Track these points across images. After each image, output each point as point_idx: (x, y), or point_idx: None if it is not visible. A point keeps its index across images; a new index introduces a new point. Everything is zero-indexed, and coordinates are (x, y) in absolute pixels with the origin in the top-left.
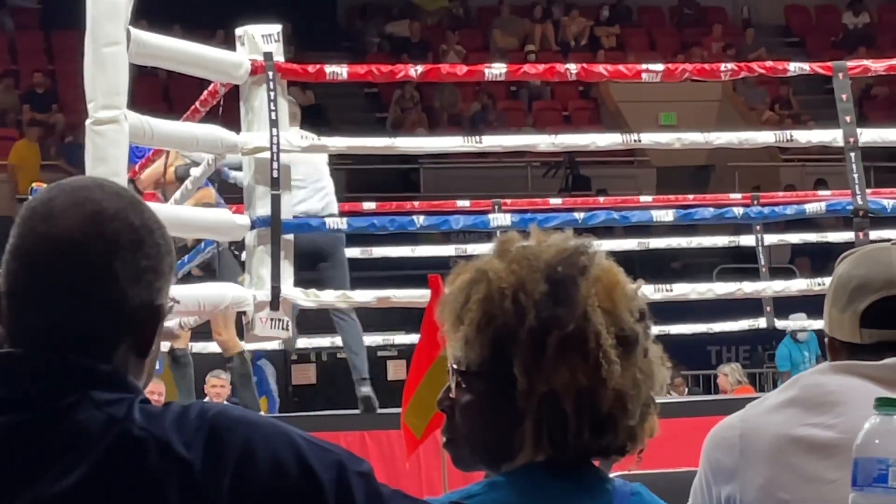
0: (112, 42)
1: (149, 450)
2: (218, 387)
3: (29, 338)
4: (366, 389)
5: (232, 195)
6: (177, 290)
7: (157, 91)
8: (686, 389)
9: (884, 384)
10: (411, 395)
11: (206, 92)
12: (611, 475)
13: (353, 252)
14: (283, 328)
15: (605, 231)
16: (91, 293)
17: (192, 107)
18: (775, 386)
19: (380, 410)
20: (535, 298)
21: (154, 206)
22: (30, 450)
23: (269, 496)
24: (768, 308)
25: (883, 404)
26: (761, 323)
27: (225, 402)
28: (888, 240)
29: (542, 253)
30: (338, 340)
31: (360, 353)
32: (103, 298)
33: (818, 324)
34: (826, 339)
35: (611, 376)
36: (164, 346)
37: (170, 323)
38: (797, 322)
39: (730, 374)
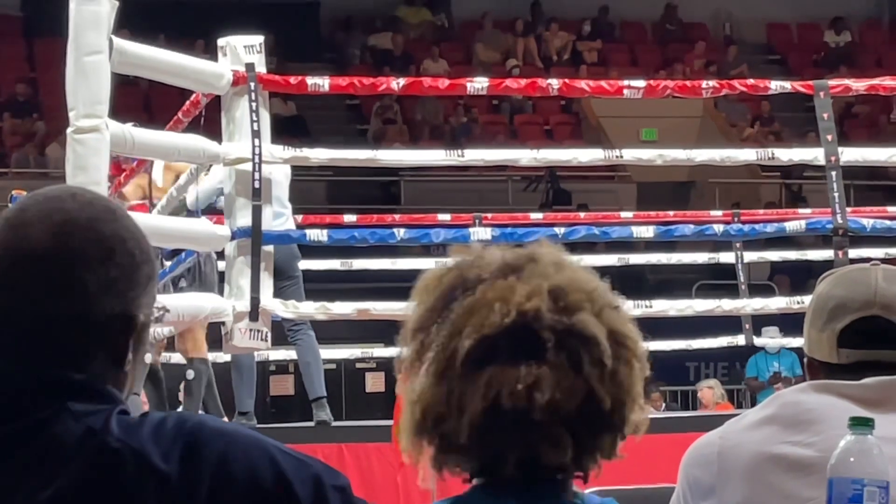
0: (94, 51)
1: (126, 462)
2: None
3: (3, 350)
4: (324, 415)
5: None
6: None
7: (139, 100)
8: (663, 405)
9: (862, 403)
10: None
11: (188, 102)
12: (586, 491)
13: (332, 264)
14: (262, 339)
15: (586, 246)
16: (58, 304)
17: (175, 117)
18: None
19: (358, 423)
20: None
21: (134, 216)
22: (8, 462)
23: None
24: (747, 325)
25: (857, 423)
26: (740, 340)
27: (201, 412)
28: (867, 259)
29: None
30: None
31: (319, 370)
32: (71, 309)
33: (792, 340)
34: (805, 359)
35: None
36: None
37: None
38: (769, 337)
39: (715, 388)
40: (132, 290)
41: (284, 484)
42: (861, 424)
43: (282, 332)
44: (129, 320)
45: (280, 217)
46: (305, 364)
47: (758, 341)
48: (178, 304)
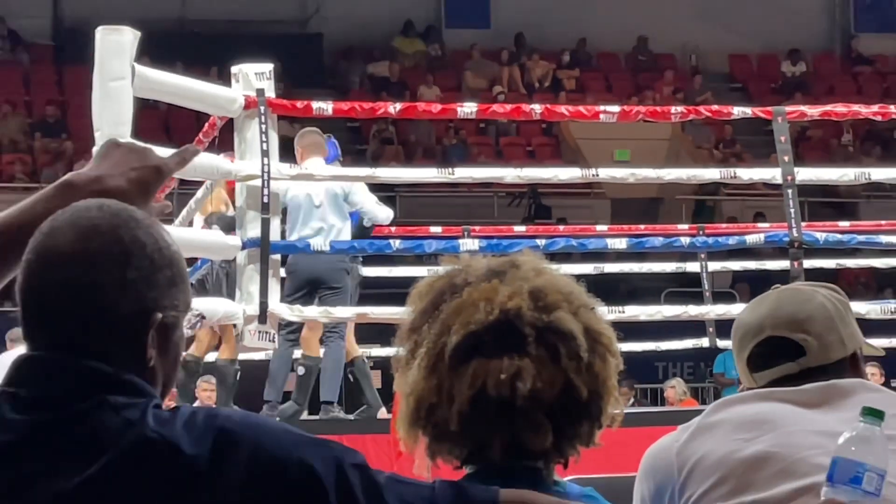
0: (118, 77)
1: (161, 452)
2: (209, 391)
3: (41, 344)
4: (327, 417)
5: None
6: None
7: (159, 122)
8: (632, 399)
9: (804, 406)
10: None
11: (206, 125)
12: (564, 479)
13: None
14: (269, 340)
15: (564, 256)
16: (77, 304)
17: (196, 138)
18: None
19: (356, 416)
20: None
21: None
22: (52, 448)
23: (275, 496)
24: (711, 329)
25: (869, 413)
26: (704, 342)
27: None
28: (820, 268)
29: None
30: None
31: (334, 377)
32: (89, 308)
33: None
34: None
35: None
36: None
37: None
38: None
39: (677, 387)
40: (151, 291)
41: (310, 470)
42: (871, 414)
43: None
44: (147, 319)
45: (321, 233)
46: (324, 368)
47: (722, 343)
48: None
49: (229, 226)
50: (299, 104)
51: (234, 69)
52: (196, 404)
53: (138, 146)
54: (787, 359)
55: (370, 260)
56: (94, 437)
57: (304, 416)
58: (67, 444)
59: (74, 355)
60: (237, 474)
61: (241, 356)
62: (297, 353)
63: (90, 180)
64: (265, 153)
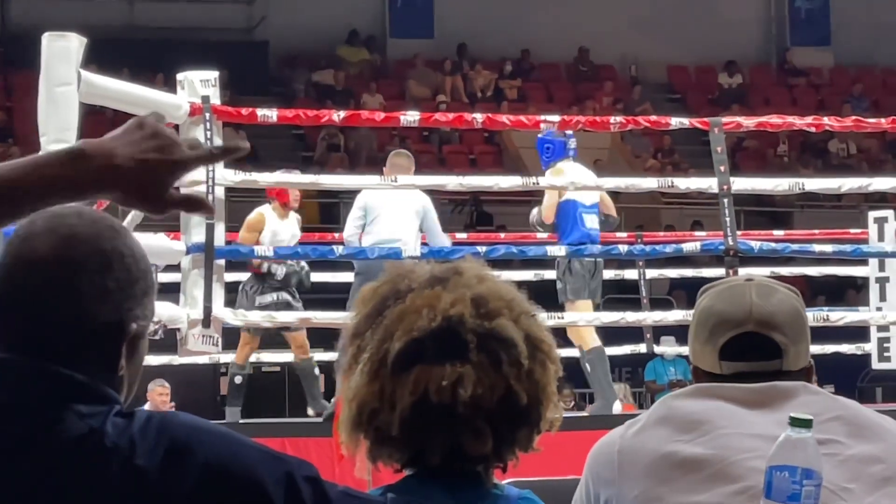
0: (64, 82)
1: (115, 461)
2: (164, 395)
3: (12, 347)
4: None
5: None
6: None
7: (105, 128)
8: (573, 404)
9: (745, 405)
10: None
11: None
12: (504, 482)
13: None
14: (213, 344)
15: (505, 263)
16: (57, 308)
17: None
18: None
19: (299, 420)
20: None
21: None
22: (16, 459)
23: None
24: (648, 335)
25: (796, 424)
26: (642, 348)
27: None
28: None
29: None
30: (263, 356)
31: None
32: (68, 314)
33: (687, 349)
34: (691, 366)
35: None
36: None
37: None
38: (667, 346)
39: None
40: (127, 301)
41: (259, 481)
42: (800, 425)
43: (231, 338)
44: (122, 328)
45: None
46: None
47: (657, 349)
48: None
49: None
50: (244, 111)
51: (179, 76)
52: (147, 406)
53: (166, 133)
54: (762, 358)
55: (313, 265)
56: (57, 447)
57: (244, 419)
58: (32, 456)
59: (48, 361)
60: (187, 485)
61: (184, 360)
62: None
63: (102, 153)
64: None
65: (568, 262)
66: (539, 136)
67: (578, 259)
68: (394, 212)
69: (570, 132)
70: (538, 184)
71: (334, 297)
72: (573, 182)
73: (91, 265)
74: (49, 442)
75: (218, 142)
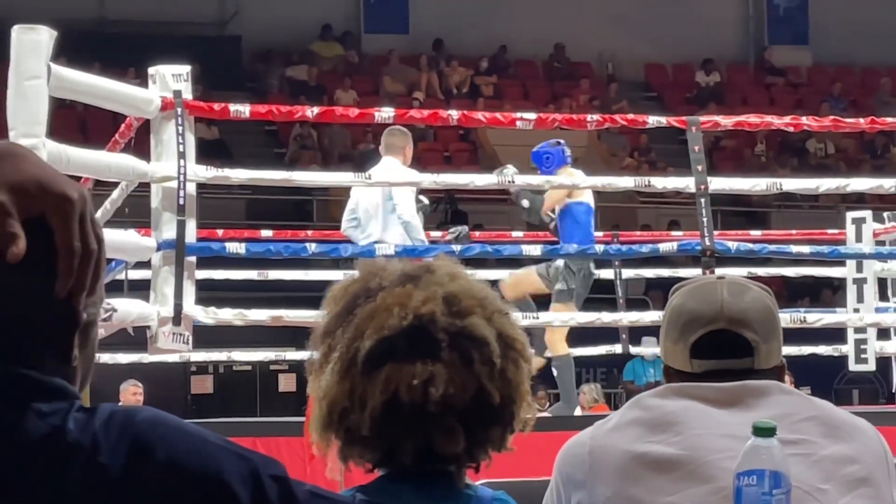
0: (33, 76)
1: (79, 458)
2: (137, 394)
3: None
4: None
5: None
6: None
7: (75, 122)
8: (548, 404)
9: (716, 404)
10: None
11: (123, 126)
12: (477, 483)
13: (250, 274)
14: (184, 342)
15: (480, 262)
16: (5, 305)
17: (113, 139)
18: None
19: (270, 419)
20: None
21: None
22: None
23: None
24: (624, 335)
25: (760, 433)
26: (617, 349)
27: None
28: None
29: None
30: (234, 354)
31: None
32: (17, 309)
33: None
34: (663, 366)
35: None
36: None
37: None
38: (647, 347)
39: (587, 393)
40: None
41: (223, 479)
42: (764, 433)
43: (202, 336)
44: (73, 319)
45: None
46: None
47: (635, 350)
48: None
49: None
50: (216, 106)
51: (151, 70)
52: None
53: (28, 174)
54: (733, 355)
55: (286, 263)
56: (21, 448)
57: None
58: None
59: (1, 362)
60: (150, 484)
61: (154, 359)
62: None
63: None
64: (182, 155)
65: (578, 267)
66: (533, 151)
67: (585, 265)
68: (381, 211)
69: (562, 140)
70: (514, 182)
71: (306, 294)
72: (551, 181)
73: (35, 257)
74: (11, 445)
75: (189, 137)
